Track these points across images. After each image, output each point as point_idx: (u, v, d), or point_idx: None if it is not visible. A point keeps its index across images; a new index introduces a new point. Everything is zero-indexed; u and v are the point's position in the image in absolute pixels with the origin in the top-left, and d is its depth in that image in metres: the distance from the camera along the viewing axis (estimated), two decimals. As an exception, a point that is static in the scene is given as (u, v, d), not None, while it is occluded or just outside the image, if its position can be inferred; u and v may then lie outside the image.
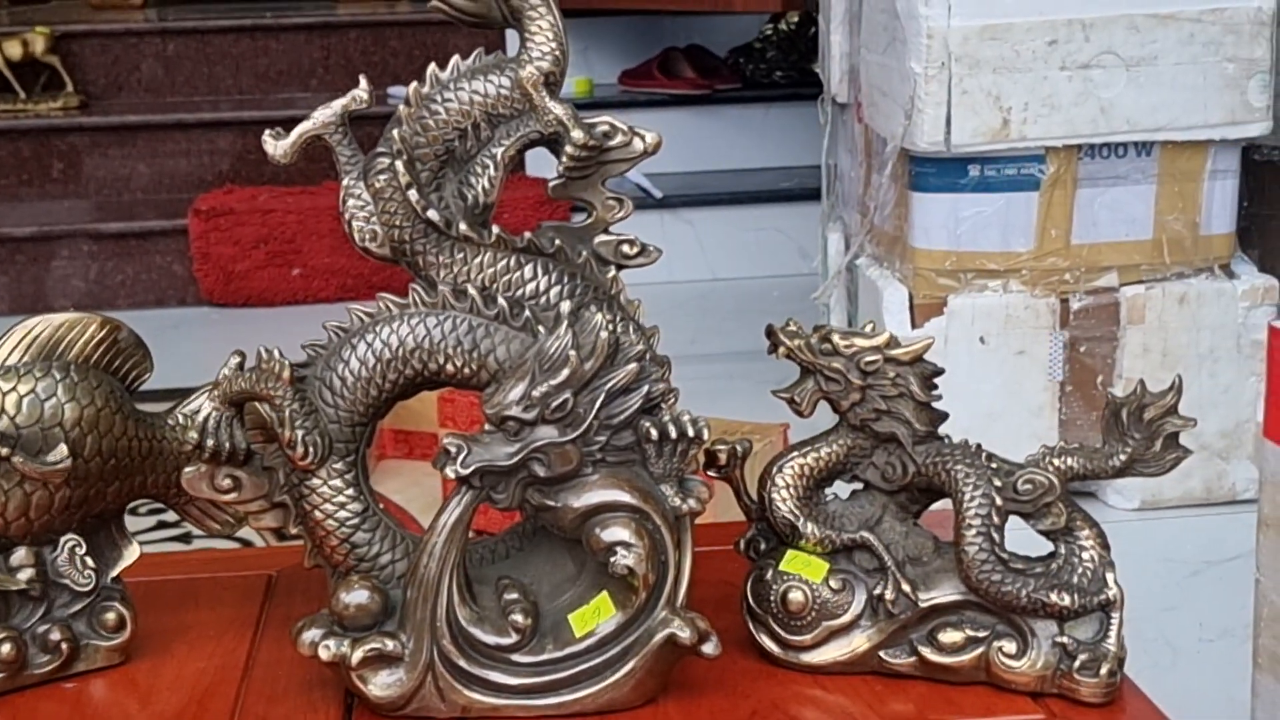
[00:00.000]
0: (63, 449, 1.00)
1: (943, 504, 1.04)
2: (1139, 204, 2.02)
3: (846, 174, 2.41)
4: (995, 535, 0.97)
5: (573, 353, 0.94)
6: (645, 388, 0.96)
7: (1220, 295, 2.05)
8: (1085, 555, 0.98)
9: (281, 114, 3.83)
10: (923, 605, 0.99)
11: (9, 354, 1.01)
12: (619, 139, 1.01)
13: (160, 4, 5.26)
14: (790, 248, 3.52)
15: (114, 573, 1.05)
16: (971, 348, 2.00)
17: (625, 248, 1.03)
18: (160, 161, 3.77)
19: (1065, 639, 0.97)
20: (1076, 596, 0.96)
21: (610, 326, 0.95)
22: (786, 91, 3.86)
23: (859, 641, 1.00)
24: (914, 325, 2.03)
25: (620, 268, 1.03)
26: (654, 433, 0.95)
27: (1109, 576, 0.98)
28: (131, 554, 1.07)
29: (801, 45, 3.93)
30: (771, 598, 1.01)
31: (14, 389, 0.99)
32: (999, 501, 0.97)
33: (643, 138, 1.01)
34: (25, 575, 1.01)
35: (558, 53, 1.00)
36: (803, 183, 3.60)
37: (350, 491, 1.00)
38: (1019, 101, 1.95)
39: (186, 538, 2.05)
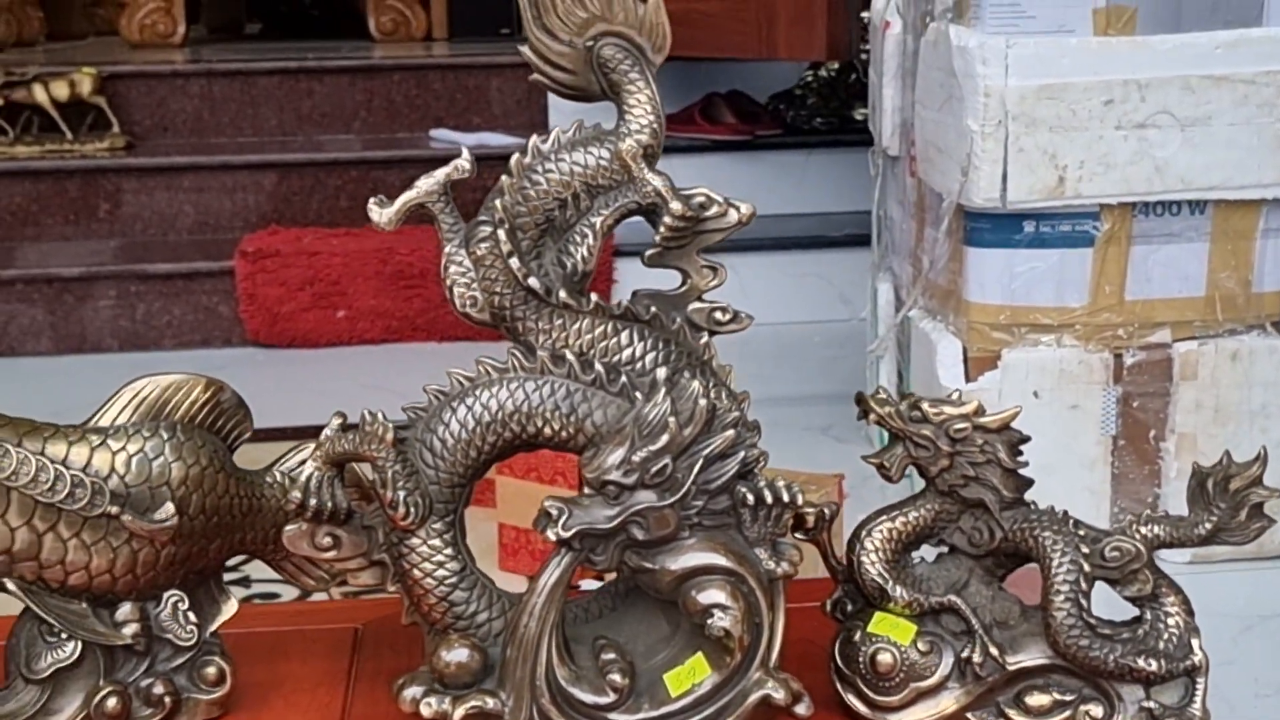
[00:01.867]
0: (169, 507, 1.02)
1: (1025, 567, 1.06)
2: (1192, 261, 2.04)
3: (898, 226, 2.44)
4: (1083, 601, 0.99)
5: (672, 419, 0.96)
6: (741, 453, 0.98)
7: (1272, 352, 2.06)
8: (1171, 621, 1.00)
9: (325, 156, 3.88)
10: (1010, 668, 1.01)
11: (118, 414, 1.04)
12: (714, 209, 1.04)
13: (198, 42, 5.34)
14: (831, 294, 3.55)
15: (213, 627, 1.08)
16: (1025, 402, 2.02)
17: (718, 314, 1.06)
18: (205, 202, 3.81)
19: (1152, 704, 0.99)
20: (1163, 662, 0.98)
21: (707, 393, 0.98)
22: (827, 138, 3.89)
23: (947, 703, 1.02)
24: (968, 379, 2.06)
25: (713, 334, 1.06)
26: (750, 497, 0.98)
27: (1194, 642, 1.00)
28: (230, 609, 1.09)
29: (841, 92, 3.97)
30: (860, 659, 1.03)
31: (123, 448, 1.02)
32: (1087, 568, 0.99)
33: (737, 209, 1.04)
34: (130, 630, 1.03)
35: (655, 126, 1.03)
36: (844, 229, 3.63)
37: (449, 551, 1.02)
38: (1075, 159, 1.97)
39: (245, 581, 2.07)
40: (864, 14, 3.51)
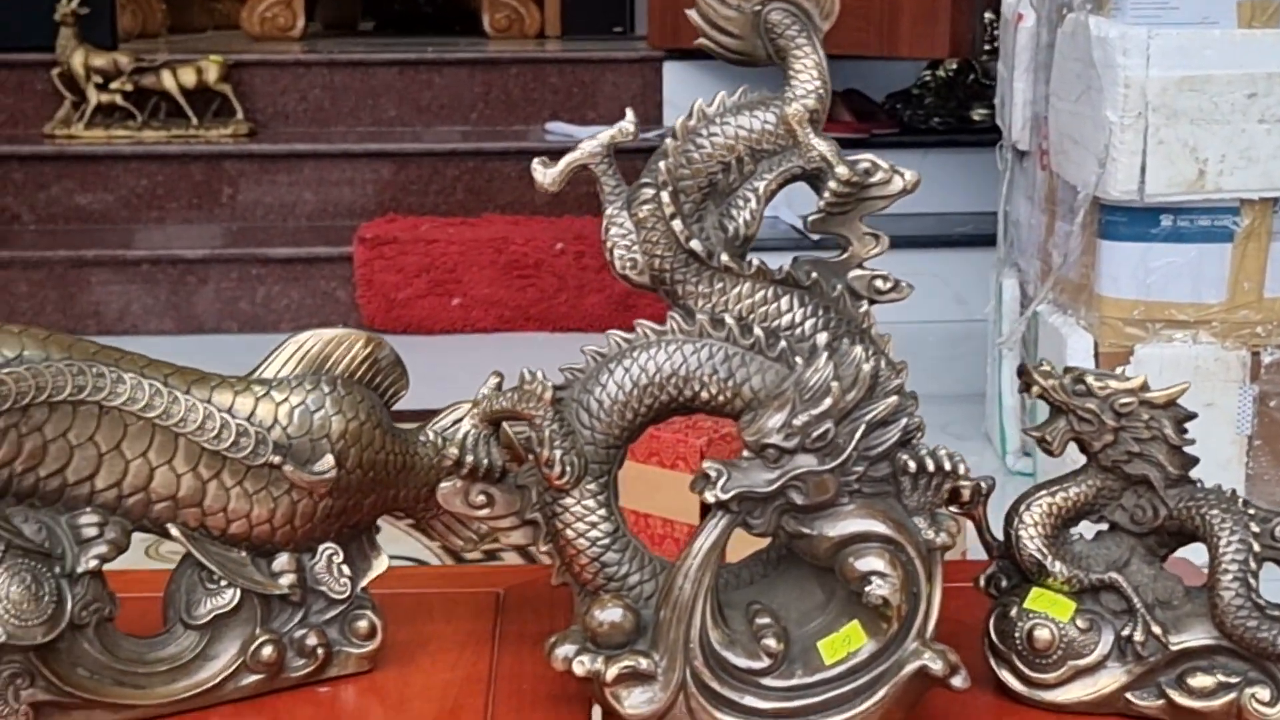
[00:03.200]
0: (329, 460, 1.03)
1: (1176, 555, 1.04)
2: (1336, 259, 2.01)
3: (1025, 221, 2.41)
4: (1251, 581, 0.97)
5: (835, 383, 0.95)
6: (903, 421, 0.97)
7: None
8: (1343, 606, 0.97)
9: (442, 146, 3.92)
10: (1173, 649, 0.99)
11: (282, 366, 1.05)
12: (879, 176, 1.03)
13: (314, 37, 5.41)
14: (947, 294, 3.52)
15: (365, 582, 1.08)
16: (1158, 398, 1.99)
17: (878, 283, 1.05)
18: (324, 189, 3.86)
19: (1321, 689, 0.96)
20: (1335, 647, 0.96)
21: (870, 359, 0.97)
22: (943, 138, 3.86)
23: (1105, 682, 1.00)
24: (1099, 374, 2.02)
25: (872, 302, 1.05)
26: (912, 465, 0.97)
27: (1366, 628, 0.97)
28: (381, 565, 1.10)
29: (960, 92, 3.94)
30: (1016, 634, 1.01)
31: (286, 400, 1.03)
32: (1256, 547, 0.97)
33: (902, 175, 1.03)
34: (287, 580, 1.04)
35: (821, 91, 1.03)
36: (961, 228, 3.60)
37: (602, 512, 1.02)
38: (1215, 153, 1.94)
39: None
40: (986, 13, 3.48)
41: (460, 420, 1.12)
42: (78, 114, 3.92)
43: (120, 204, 3.83)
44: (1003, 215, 2.56)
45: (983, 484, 1.05)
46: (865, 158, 1.03)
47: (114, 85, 3.92)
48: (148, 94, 3.95)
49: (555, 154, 1.05)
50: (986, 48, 3.73)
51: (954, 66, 3.98)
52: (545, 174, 1.03)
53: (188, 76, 3.92)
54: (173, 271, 3.58)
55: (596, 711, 1.01)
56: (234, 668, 1.03)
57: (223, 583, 1.02)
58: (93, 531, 0.98)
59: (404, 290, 3.54)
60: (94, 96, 3.91)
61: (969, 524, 1.06)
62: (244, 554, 1.03)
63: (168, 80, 3.91)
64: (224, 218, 3.85)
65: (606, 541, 1.02)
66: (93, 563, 0.98)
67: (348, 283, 3.58)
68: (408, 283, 3.54)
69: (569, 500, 1.02)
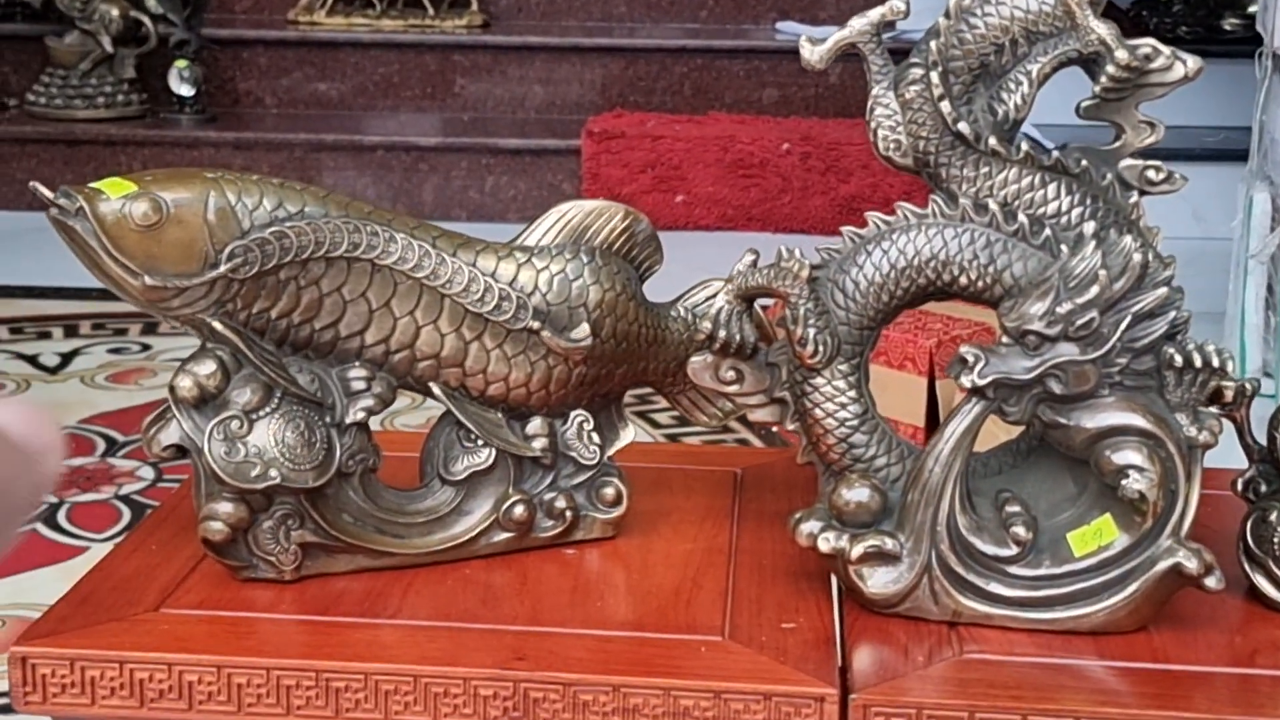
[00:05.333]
0: (585, 328, 1.05)
1: None
2: None
3: (1282, 132, 2.32)
4: None
5: (1102, 272, 0.94)
6: (1171, 314, 0.95)
7: None
8: None
9: (672, 43, 3.91)
10: None
11: (544, 234, 1.07)
12: (1160, 61, 1.00)
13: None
14: (1184, 210, 3.40)
15: (612, 450, 1.10)
16: None
17: (1150, 173, 1.02)
18: (554, 82, 3.90)
19: None
20: None
21: (1139, 250, 0.95)
22: (1190, 48, 3.68)
23: (1367, 594, 0.97)
24: (1354, 292, 1.94)
25: (1143, 193, 1.03)
26: (1178, 359, 0.95)
27: None
28: (628, 435, 1.12)
29: (1210, 0, 3.78)
30: (1274, 539, 0.99)
31: (547, 267, 1.05)
32: None
33: (1184, 62, 1.00)
34: (540, 444, 1.07)
35: (1105, -28, 0.99)
36: (1202, 143, 3.47)
37: (852, 393, 1.02)
38: None
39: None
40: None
41: (711, 297, 1.12)
42: (320, 1, 4.02)
43: (356, 91, 3.92)
44: (1258, 125, 2.45)
45: (1248, 385, 1.02)
46: (1146, 42, 1.00)
47: (355, -27, 4.00)
48: (387, -17, 4.03)
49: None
50: (1244, -48, 3.57)
51: (1206, -26, 3.82)
52: (813, 51, 1.03)
53: (425, -34, 3.98)
54: (405, 158, 3.66)
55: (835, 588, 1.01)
56: (487, 524, 1.06)
57: (479, 442, 1.05)
58: (361, 385, 1.02)
59: (629, 185, 3.56)
60: (336, -16, 4.00)
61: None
62: (500, 415, 1.06)
63: (406, -31, 3.98)
64: (455, 108, 3.91)
65: (855, 422, 1.02)
66: (360, 414, 1.01)
67: (574, 176, 3.62)
68: (633, 178, 3.56)
69: (819, 380, 1.02)
